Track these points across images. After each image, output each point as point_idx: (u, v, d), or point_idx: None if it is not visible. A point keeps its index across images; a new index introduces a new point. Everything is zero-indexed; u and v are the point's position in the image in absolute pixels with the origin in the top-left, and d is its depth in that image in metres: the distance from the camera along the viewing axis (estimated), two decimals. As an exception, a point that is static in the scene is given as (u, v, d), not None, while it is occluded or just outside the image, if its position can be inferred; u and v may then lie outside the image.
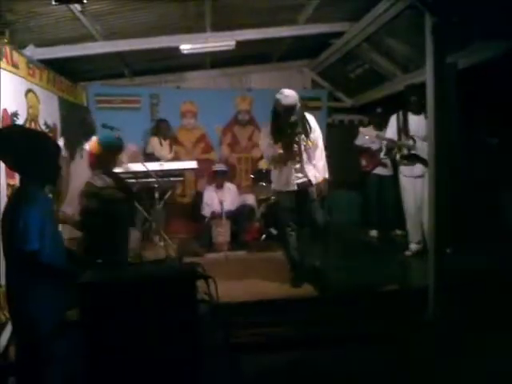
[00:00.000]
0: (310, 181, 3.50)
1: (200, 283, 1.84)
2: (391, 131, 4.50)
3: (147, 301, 1.58)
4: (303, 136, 3.46)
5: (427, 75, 3.17)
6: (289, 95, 3.34)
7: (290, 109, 3.33)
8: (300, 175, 3.53)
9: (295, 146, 3.44)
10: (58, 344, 1.85)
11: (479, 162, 4.97)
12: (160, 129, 5.61)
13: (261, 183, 5.46)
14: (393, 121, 4.52)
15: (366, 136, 4.80)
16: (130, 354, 1.57)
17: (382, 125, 4.84)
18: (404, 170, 4.46)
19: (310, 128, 3.52)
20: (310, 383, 2.43)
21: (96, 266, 2.27)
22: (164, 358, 1.55)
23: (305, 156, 3.50)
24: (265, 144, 3.61)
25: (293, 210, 3.60)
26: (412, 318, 2.94)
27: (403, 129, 4.37)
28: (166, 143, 5.63)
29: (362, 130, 4.78)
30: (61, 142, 3.81)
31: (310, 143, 3.50)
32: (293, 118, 3.35)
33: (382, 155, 4.79)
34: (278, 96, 3.36)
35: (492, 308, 2.98)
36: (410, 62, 4.96)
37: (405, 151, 4.36)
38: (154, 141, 5.56)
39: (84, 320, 1.59)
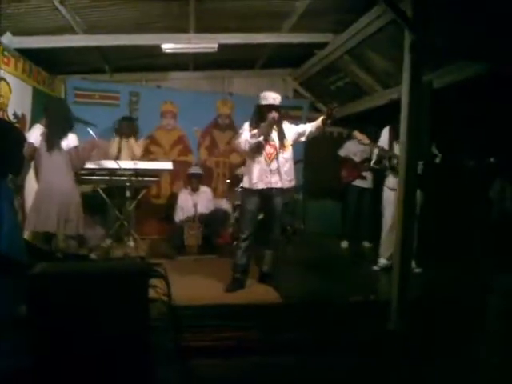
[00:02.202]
0: (280, 187, 3.61)
1: (160, 285, 1.81)
2: (383, 142, 4.47)
3: (95, 295, 1.55)
4: (278, 139, 3.61)
5: (403, 92, 3.21)
6: (276, 97, 3.61)
7: (275, 108, 3.53)
8: (272, 177, 3.59)
9: (271, 144, 3.58)
10: (6, 338, 1.79)
11: (454, 183, 5.06)
12: (121, 127, 5.29)
13: (237, 188, 5.44)
14: (385, 133, 4.48)
15: (359, 140, 4.78)
16: (76, 348, 1.52)
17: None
18: (389, 182, 4.41)
19: (285, 134, 3.67)
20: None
21: (55, 260, 2.21)
22: (110, 354, 1.51)
23: (280, 160, 3.59)
24: (245, 134, 3.61)
25: (256, 214, 3.69)
26: (372, 328, 2.96)
27: (395, 139, 4.36)
28: (127, 143, 5.25)
29: (355, 133, 4.71)
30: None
31: (285, 146, 3.63)
32: (273, 117, 3.48)
33: (372, 164, 4.73)
34: (267, 96, 3.59)
35: (454, 321, 3.03)
36: (390, 78, 5.03)
37: (394, 162, 4.34)
38: (114, 141, 5.27)
39: (30, 310, 1.54)
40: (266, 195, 3.60)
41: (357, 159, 5.63)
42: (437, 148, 4.44)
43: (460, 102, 4.50)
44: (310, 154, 6.45)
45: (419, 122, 3.21)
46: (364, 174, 5.57)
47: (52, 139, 3.69)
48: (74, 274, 1.61)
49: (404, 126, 3.17)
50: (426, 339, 2.84)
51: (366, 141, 4.56)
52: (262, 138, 3.52)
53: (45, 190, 3.69)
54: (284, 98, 6.63)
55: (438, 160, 4.41)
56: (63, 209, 3.69)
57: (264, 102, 3.58)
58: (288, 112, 6.41)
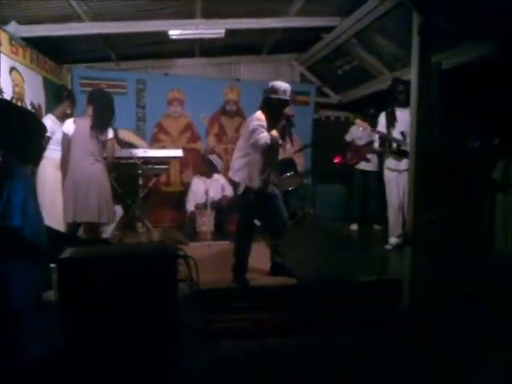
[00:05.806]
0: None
1: (182, 268, 1.86)
2: (381, 126, 4.56)
3: (126, 277, 1.59)
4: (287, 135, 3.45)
5: (412, 74, 3.21)
6: (287, 89, 3.35)
7: (288, 104, 3.36)
8: (271, 173, 3.49)
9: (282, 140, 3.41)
10: (32, 322, 1.85)
11: (461, 163, 5.04)
12: None
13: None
14: (382, 117, 4.58)
15: (360, 127, 4.84)
16: (107, 330, 1.58)
17: (372, 125, 4.90)
18: (389, 163, 4.53)
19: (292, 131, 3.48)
20: (288, 370, 2.47)
21: (79, 244, 2.26)
22: (140, 334, 1.57)
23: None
24: (264, 133, 3.28)
25: (259, 208, 3.53)
26: (384, 309, 3.00)
27: (391, 123, 4.45)
28: None
29: (358, 121, 4.81)
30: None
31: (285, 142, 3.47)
32: (288, 115, 3.32)
33: (376, 146, 4.81)
34: (279, 89, 3.32)
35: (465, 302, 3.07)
36: (397, 61, 5.02)
37: (394, 145, 4.44)
38: None
39: (62, 295, 1.59)
40: (266, 192, 3.48)
41: (362, 143, 5.68)
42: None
43: (466, 82, 4.47)
44: (318, 138, 6.46)
45: (429, 103, 3.22)
46: (368, 156, 5.61)
47: (98, 130, 3.72)
48: (104, 257, 1.65)
49: (414, 107, 3.18)
50: (437, 320, 2.88)
51: (368, 127, 4.65)
52: (280, 141, 3.37)
53: (81, 180, 3.67)
54: (290, 82, 6.69)
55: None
56: (102, 199, 3.75)
57: (275, 96, 3.32)
58: (295, 97, 6.43)
